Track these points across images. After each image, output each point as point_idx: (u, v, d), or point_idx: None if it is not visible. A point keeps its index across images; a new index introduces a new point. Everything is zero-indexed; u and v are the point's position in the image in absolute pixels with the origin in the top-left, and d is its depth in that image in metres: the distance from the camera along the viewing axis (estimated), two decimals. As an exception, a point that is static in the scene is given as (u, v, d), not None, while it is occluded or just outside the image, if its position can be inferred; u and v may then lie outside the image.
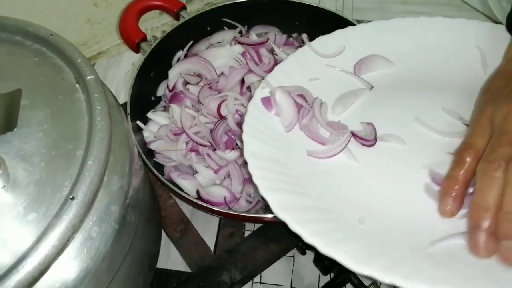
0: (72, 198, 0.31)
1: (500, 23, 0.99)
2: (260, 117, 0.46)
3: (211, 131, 0.56)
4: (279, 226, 0.56)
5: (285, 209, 0.39)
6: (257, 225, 0.59)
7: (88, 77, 0.38)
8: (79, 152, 0.35)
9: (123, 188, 0.37)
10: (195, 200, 0.51)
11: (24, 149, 0.34)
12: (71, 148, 0.35)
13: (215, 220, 0.64)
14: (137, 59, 0.94)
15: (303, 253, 0.65)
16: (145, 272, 0.48)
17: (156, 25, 0.96)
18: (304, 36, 0.68)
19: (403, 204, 0.40)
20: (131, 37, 0.64)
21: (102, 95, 0.37)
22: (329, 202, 0.41)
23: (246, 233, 0.59)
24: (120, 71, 0.92)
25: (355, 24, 0.65)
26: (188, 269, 0.56)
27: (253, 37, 0.64)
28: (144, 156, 0.52)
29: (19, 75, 0.38)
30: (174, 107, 0.59)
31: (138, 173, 0.45)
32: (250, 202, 0.55)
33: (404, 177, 0.42)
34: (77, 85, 0.39)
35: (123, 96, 0.85)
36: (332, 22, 0.67)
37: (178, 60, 0.67)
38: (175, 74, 0.61)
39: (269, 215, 0.51)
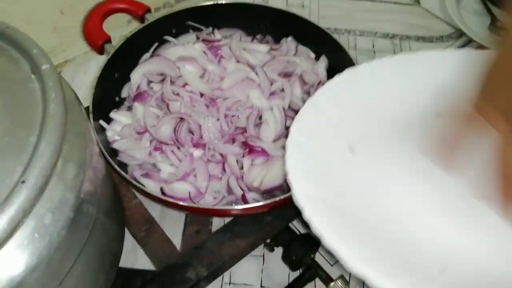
0: (23, 182, 0.31)
1: (459, 29, 1.04)
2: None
3: (174, 130, 0.56)
4: (246, 221, 0.57)
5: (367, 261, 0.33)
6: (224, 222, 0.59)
7: (43, 67, 0.38)
8: (32, 138, 0.34)
9: (79, 177, 0.37)
10: (159, 196, 0.51)
11: (-25, 135, 0.33)
12: (24, 135, 0.35)
13: (183, 219, 0.64)
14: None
15: (271, 250, 0.65)
16: (106, 269, 0.47)
17: (124, 33, 0.97)
18: (269, 37, 0.70)
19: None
20: (95, 39, 0.64)
21: (57, 83, 0.37)
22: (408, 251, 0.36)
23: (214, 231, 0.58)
24: (87, 78, 0.92)
25: (321, 29, 0.67)
26: (154, 268, 0.55)
27: (217, 36, 0.65)
28: (107, 155, 0.52)
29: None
30: (137, 106, 0.59)
31: (98, 169, 0.44)
32: (215, 198, 0.55)
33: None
34: (33, 76, 0.39)
35: (89, 101, 0.85)
36: (297, 25, 0.70)
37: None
38: (138, 75, 0.62)
39: (236, 207, 0.51)
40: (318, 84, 0.64)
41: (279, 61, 0.64)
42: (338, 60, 0.66)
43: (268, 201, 0.49)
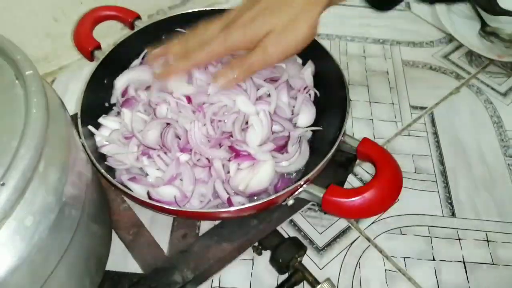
0: (2, 184, 0.32)
1: (449, 34, 1.05)
2: None
3: (160, 135, 0.57)
4: (232, 225, 0.57)
5: None
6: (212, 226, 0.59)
7: (27, 72, 0.39)
8: (13, 142, 0.35)
9: (61, 181, 0.38)
10: (145, 200, 0.51)
11: (-44, 139, 0.34)
12: (5, 140, 0.35)
13: (168, 222, 0.64)
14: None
15: (259, 253, 0.66)
16: (91, 272, 0.48)
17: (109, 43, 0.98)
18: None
19: None
20: (85, 45, 0.65)
21: (40, 89, 0.38)
22: None
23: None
24: (81, 85, 0.92)
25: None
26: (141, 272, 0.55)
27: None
28: (94, 160, 0.53)
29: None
30: (125, 111, 0.60)
31: (83, 173, 0.45)
32: (202, 202, 0.56)
33: None
34: (17, 81, 0.40)
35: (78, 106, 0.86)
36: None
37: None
38: (122, 82, 0.63)
39: (221, 210, 0.52)
40: (304, 89, 0.65)
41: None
42: (324, 66, 0.67)
43: (253, 203, 0.49)
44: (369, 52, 1.03)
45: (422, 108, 0.92)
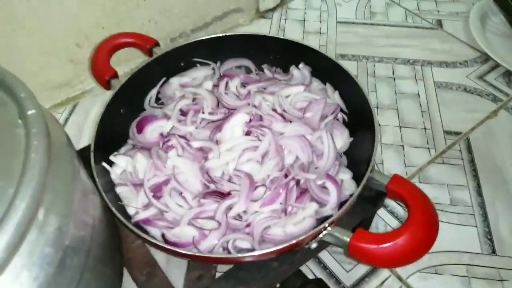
0: (-6, 240, 0.29)
1: (485, 53, 0.99)
2: None
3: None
4: (251, 267, 0.53)
5: None
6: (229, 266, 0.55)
7: (29, 112, 0.36)
8: (11, 190, 0.33)
9: (62, 229, 0.35)
10: (160, 244, 0.48)
11: (-51, 187, 0.32)
12: (2, 185, 0.33)
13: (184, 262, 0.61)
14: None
15: (280, 296, 0.61)
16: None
17: (132, 67, 0.97)
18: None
19: None
20: (102, 74, 0.63)
21: (42, 130, 0.36)
22: None
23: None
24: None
25: (325, 56, 0.64)
26: (154, 316, 0.52)
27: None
28: (106, 199, 0.50)
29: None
30: (139, 156, 0.57)
31: (90, 214, 0.42)
32: (224, 249, 0.52)
33: None
34: (19, 121, 0.37)
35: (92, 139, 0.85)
36: (306, 54, 0.67)
37: (150, 100, 0.66)
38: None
39: (242, 255, 0.48)
40: (332, 113, 0.61)
41: (317, 103, 0.61)
42: (348, 91, 0.63)
43: (274, 248, 0.45)
44: (399, 74, 0.98)
45: (456, 133, 0.86)
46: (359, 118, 0.60)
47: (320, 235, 0.47)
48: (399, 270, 0.68)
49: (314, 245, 0.48)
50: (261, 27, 1.10)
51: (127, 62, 0.94)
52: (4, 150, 0.35)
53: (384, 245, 0.44)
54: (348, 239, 0.45)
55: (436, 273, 0.68)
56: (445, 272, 0.68)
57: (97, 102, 0.95)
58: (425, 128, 0.87)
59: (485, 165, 0.81)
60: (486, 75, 0.97)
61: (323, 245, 0.54)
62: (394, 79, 0.97)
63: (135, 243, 0.57)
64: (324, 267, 0.68)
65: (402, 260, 0.45)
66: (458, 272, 0.68)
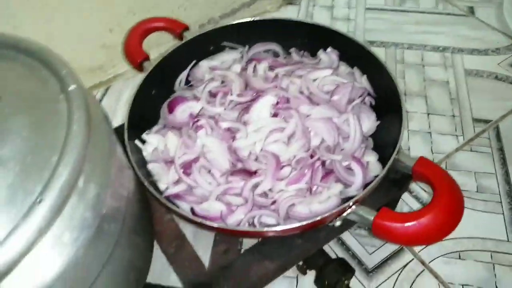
0: (40, 201, 0.32)
1: (518, 39, 0.96)
2: None
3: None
4: (276, 242, 0.55)
5: None
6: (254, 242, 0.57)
7: (70, 87, 0.39)
8: (54, 158, 0.35)
9: (100, 197, 0.37)
10: (189, 216, 0.50)
11: (0, 154, 0.34)
12: (47, 154, 0.36)
13: (211, 235, 0.63)
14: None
15: (304, 273, 0.63)
16: (131, 284, 0.48)
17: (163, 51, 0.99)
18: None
19: None
20: (134, 57, 0.66)
21: (82, 104, 0.38)
22: None
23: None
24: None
25: (353, 40, 0.65)
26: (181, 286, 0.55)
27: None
28: (139, 174, 0.52)
29: (5, 86, 0.40)
30: (170, 135, 0.59)
31: (125, 186, 0.45)
32: (250, 224, 0.54)
33: None
34: (61, 96, 0.40)
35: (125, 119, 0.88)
36: (334, 39, 0.68)
37: (180, 82, 0.69)
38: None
39: (266, 229, 0.50)
40: (362, 95, 0.62)
41: (345, 87, 0.62)
42: (377, 76, 0.63)
43: (298, 224, 0.47)
44: (428, 61, 0.97)
45: (486, 121, 0.85)
46: (386, 102, 0.61)
47: (345, 213, 0.48)
48: (422, 254, 0.69)
49: (338, 223, 0.49)
50: (289, 14, 1.10)
51: (158, 47, 0.96)
52: (48, 122, 0.38)
53: (408, 224, 0.44)
54: (372, 218, 0.46)
55: (459, 258, 0.68)
56: (469, 258, 0.68)
57: (129, 85, 0.98)
58: (453, 116, 0.87)
59: (514, 153, 0.80)
60: (518, 63, 0.95)
61: (347, 224, 0.55)
62: (423, 66, 0.96)
63: (165, 217, 0.59)
64: (347, 249, 0.70)
65: (426, 239, 0.45)
66: (482, 258, 0.68)
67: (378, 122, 0.62)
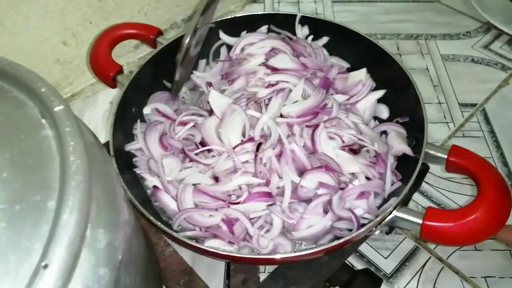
0: (45, 266, 0.23)
1: (485, 22, 0.96)
2: None
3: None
4: (300, 264, 0.49)
5: None
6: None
7: (56, 108, 0.30)
8: (50, 203, 0.27)
9: (112, 244, 0.29)
10: (199, 246, 0.43)
11: (-23, 207, 0.26)
12: (40, 199, 0.27)
13: (221, 265, 0.56)
14: (115, 96, 0.86)
15: (328, 292, 0.57)
16: None
17: (132, 59, 0.90)
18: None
19: None
20: (105, 71, 0.57)
21: (76, 128, 0.30)
22: None
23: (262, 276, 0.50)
24: (97, 112, 0.85)
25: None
26: (198, 329, 0.47)
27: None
28: (139, 207, 0.44)
29: (-33, 115, 0.30)
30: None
31: (128, 223, 0.36)
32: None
33: None
34: (43, 120, 0.31)
35: (103, 137, 0.77)
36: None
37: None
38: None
39: (285, 255, 0.43)
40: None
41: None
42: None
43: (338, 242, 0.40)
44: (404, 49, 0.95)
45: (472, 105, 0.84)
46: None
47: (386, 220, 0.42)
48: (439, 251, 0.65)
49: (377, 232, 0.43)
50: (254, 12, 1.04)
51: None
52: (32, 157, 0.29)
53: (461, 222, 0.40)
54: (420, 221, 0.41)
55: (475, 250, 0.65)
56: (485, 248, 0.65)
57: (89, 104, 0.87)
58: (439, 103, 0.84)
59: (505, 134, 0.79)
60: (490, 44, 0.95)
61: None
62: (400, 55, 0.94)
63: (167, 251, 0.51)
64: (361, 256, 0.64)
65: (479, 235, 0.41)
66: (497, 246, 0.65)
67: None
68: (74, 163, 0.27)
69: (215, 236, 0.47)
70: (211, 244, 0.46)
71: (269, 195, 0.48)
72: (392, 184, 0.49)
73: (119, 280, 0.29)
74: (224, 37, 0.64)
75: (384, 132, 0.57)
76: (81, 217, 0.26)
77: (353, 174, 0.50)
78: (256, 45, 0.60)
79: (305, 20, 0.64)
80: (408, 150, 0.51)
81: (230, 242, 0.47)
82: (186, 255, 0.52)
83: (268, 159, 0.48)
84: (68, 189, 0.26)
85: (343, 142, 0.51)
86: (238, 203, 0.47)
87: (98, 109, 0.85)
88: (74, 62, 0.83)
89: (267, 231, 0.47)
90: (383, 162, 0.49)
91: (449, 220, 0.40)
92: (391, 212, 0.42)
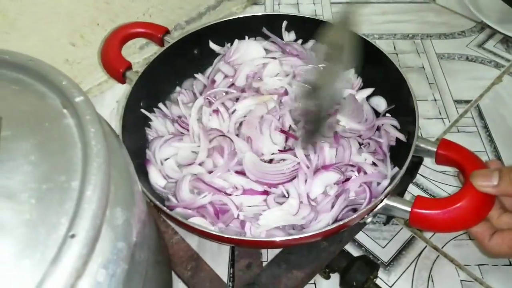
0: (72, 236, 0.26)
1: (479, 22, 0.99)
2: None
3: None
4: (302, 248, 0.51)
5: None
6: (276, 251, 0.53)
7: (77, 99, 0.33)
8: (74, 183, 0.29)
9: (129, 222, 0.32)
10: (206, 230, 0.46)
11: (9, 185, 0.28)
12: (64, 179, 0.30)
13: (225, 251, 0.59)
14: (121, 96, 0.89)
15: (327, 277, 0.60)
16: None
17: (137, 60, 0.93)
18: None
19: None
20: (115, 67, 0.60)
21: (95, 117, 0.33)
22: None
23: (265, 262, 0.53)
24: (104, 110, 0.88)
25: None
26: (205, 311, 0.49)
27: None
28: (148, 194, 0.47)
29: (-4, 106, 0.33)
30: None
31: (141, 206, 0.39)
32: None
33: None
34: (65, 110, 0.34)
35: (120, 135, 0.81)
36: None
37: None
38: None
39: (296, 236, 0.46)
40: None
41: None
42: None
43: (333, 226, 0.43)
44: (400, 49, 0.98)
45: (466, 101, 0.86)
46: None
47: (377, 209, 0.45)
48: (434, 240, 0.67)
49: (369, 220, 0.46)
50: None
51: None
52: (56, 143, 0.32)
53: (447, 209, 0.43)
54: (409, 208, 0.44)
55: (470, 239, 0.68)
56: (479, 238, 0.68)
57: (96, 103, 0.90)
58: (435, 99, 0.87)
59: (498, 129, 0.81)
60: (485, 43, 0.98)
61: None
62: (397, 54, 0.97)
63: (174, 239, 0.54)
64: (359, 245, 0.67)
65: (464, 222, 0.44)
66: (491, 236, 0.68)
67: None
68: (95, 147, 0.30)
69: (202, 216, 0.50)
70: (194, 221, 0.49)
71: (265, 193, 0.51)
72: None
73: (135, 255, 0.32)
74: (214, 46, 0.67)
75: (378, 129, 0.60)
76: (103, 194, 0.28)
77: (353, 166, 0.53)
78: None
79: (302, 22, 0.66)
80: (402, 136, 0.54)
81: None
82: (192, 242, 0.55)
83: None
84: (90, 170, 0.29)
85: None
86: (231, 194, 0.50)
87: (105, 107, 0.88)
88: (82, 62, 0.86)
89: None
90: (381, 149, 0.52)
91: (436, 207, 0.43)
92: (382, 200, 0.45)
